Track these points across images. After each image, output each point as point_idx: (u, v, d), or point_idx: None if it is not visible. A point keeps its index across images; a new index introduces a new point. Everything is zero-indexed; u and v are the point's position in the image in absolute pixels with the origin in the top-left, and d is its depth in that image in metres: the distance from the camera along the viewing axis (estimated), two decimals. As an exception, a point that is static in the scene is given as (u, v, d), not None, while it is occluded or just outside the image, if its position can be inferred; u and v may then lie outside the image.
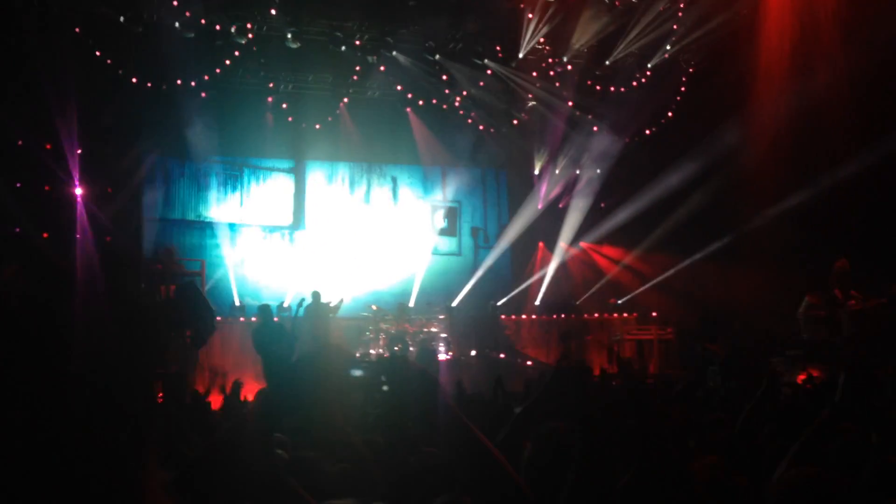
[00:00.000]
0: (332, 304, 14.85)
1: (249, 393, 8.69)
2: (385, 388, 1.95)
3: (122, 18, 12.97)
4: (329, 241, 17.02)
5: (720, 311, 13.56)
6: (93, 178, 14.68)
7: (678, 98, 16.18)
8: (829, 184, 12.81)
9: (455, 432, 1.87)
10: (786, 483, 2.02)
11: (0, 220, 13.28)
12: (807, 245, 12.95)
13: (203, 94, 14.74)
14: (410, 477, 2.72)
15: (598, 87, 16.05)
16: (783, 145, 13.64)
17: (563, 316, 16.61)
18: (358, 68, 15.03)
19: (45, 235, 13.60)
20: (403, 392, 1.92)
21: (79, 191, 14.48)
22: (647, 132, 16.78)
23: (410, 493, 2.58)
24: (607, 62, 15.44)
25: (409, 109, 16.58)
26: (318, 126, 16.17)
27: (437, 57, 14.88)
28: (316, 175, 17.35)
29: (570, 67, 15.54)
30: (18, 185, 13.44)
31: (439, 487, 2.19)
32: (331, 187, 17.37)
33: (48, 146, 14.04)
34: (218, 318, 14.57)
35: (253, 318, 13.36)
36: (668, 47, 15.17)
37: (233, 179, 16.74)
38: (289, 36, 13.62)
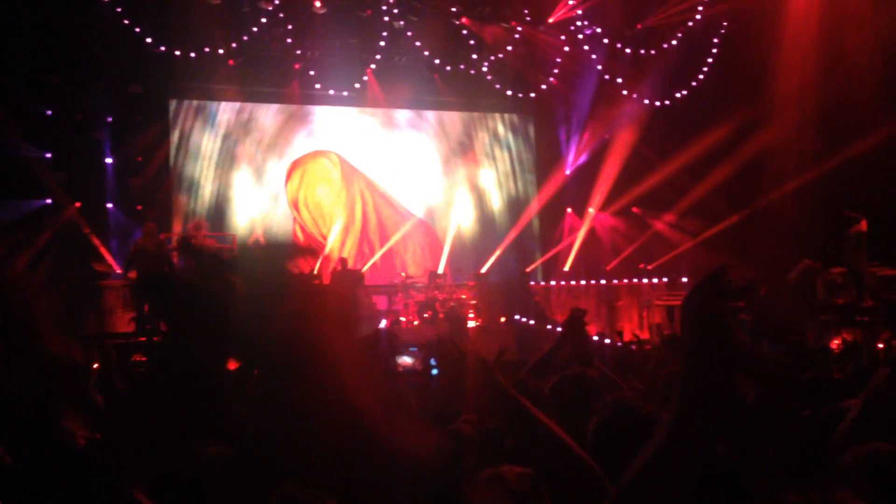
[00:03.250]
0: (360, 272, 14.95)
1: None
2: (434, 371, 1.95)
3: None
4: (357, 204, 17.04)
5: (746, 277, 13.43)
6: (122, 148, 14.81)
7: (710, 62, 15.94)
8: (857, 151, 12.66)
9: (510, 411, 1.86)
10: (863, 461, 1.97)
11: (32, 192, 13.43)
12: (829, 214, 12.80)
13: (231, 62, 14.71)
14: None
15: (628, 51, 15.82)
16: (811, 112, 13.49)
17: (592, 282, 16.56)
18: (385, 34, 14.92)
19: (78, 205, 13.73)
20: (455, 376, 1.90)
21: (109, 160, 14.60)
22: (678, 96, 16.54)
23: None
24: (638, 25, 15.23)
25: (436, 76, 16.44)
26: (345, 93, 16.10)
27: (465, 21, 14.74)
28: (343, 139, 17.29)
29: (599, 30, 15.34)
30: (48, 155, 13.56)
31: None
32: (360, 154, 17.30)
33: (78, 116, 14.14)
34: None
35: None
36: (700, 9, 14.92)
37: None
38: (317, 4, 13.53)
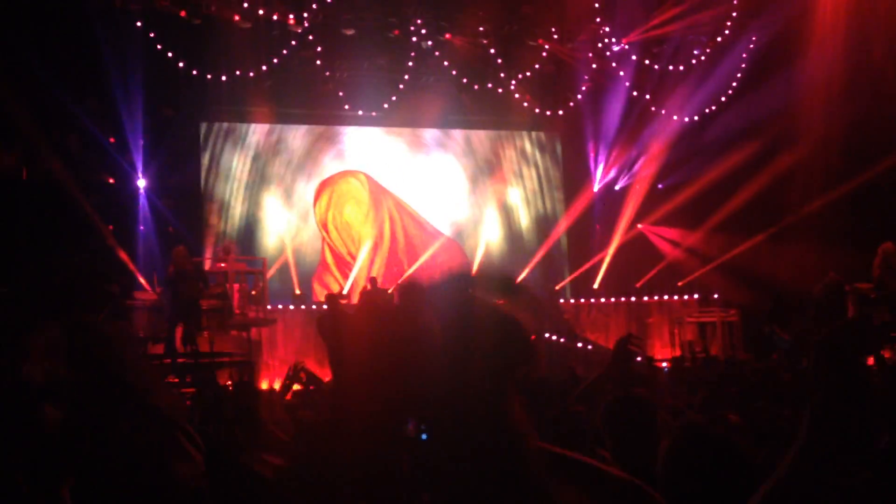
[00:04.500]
0: (388, 291, 14.94)
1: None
2: (424, 437, 1.69)
3: (182, 13, 13.14)
4: (385, 223, 17.09)
5: (793, 296, 13.26)
6: (155, 170, 14.96)
7: (738, 77, 15.89)
8: (885, 166, 12.58)
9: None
10: None
11: (67, 214, 13.57)
12: (864, 228, 12.68)
13: (260, 85, 14.85)
14: None
15: (656, 67, 15.80)
16: (837, 127, 13.40)
17: (622, 299, 16.46)
18: (413, 54, 15.02)
19: (111, 228, 13.85)
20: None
21: (141, 182, 14.75)
22: (707, 112, 16.48)
23: None
24: (665, 42, 15.23)
25: (463, 95, 16.47)
26: (374, 114, 16.19)
27: (492, 40, 14.82)
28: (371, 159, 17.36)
29: (626, 47, 15.34)
30: (81, 179, 13.70)
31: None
32: (388, 173, 17.35)
33: (112, 139, 14.32)
34: (279, 307, 14.87)
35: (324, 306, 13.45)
36: (729, 24, 14.90)
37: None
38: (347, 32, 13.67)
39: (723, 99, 16.27)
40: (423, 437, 1.47)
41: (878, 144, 12.95)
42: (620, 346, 3.64)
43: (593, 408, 3.41)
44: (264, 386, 11.83)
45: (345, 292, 15.39)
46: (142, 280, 13.92)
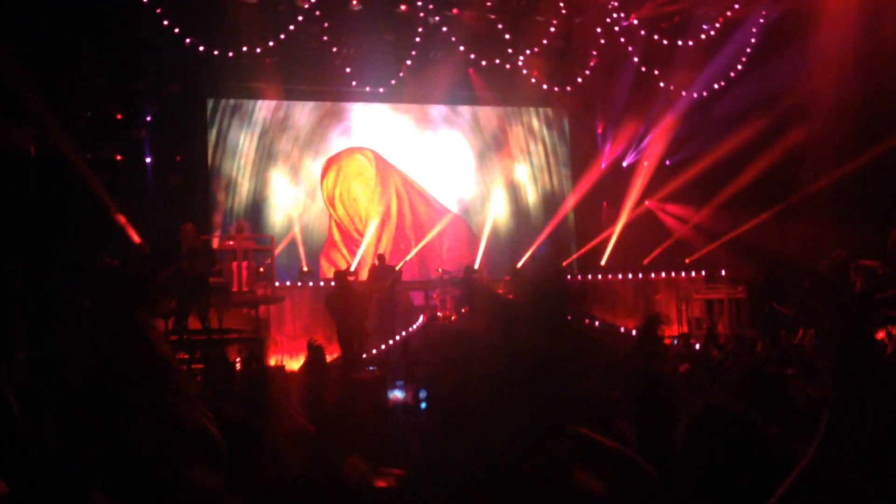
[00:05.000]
0: (396, 268, 14.97)
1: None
2: (423, 405, 1.80)
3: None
4: (392, 200, 17.11)
5: (789, 270, 13.24)
6: (162, 147, 14.96)
7: (748, 52, 15.77)
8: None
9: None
10: None
11: (73, 195, 13.57)
12: (875, 204, 12.61)
13: (267, 61, 14.79)
14: None
15: (664, 42, 15.68)
16: (848, 102, 13.30)
17: (629, 276, 16.46)
18: (421, 30, 14.93)
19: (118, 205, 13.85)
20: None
21: (148, 159, 14.75)
22: (716, 87, 16.37)
23: None
24: (675, 17, 15.10)
25: (471, 70, 16.40)
26: (381, 90, 16.12)
27: (500, 15, 14.71)
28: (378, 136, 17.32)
29: (635, 22, 15.23)
30: (89, 156, 13.69)
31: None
32: (395, 150, 17.31)
33: (119, 116, 14.29)
34: (287, 284, 14.91)
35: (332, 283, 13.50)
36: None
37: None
38: (353, 1, 13.56)
39: (732, 74, 16.15)
40: (423, 405, 1.58)
41: (889, 120, 12.87)
42: (649, 328, 3.67)
43: (615, 383, 3.44)
44: (272, 362, 11.87)
45: (352, 269, 15.43)
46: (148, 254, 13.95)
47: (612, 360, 3.83)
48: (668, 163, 16.93)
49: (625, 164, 17.57)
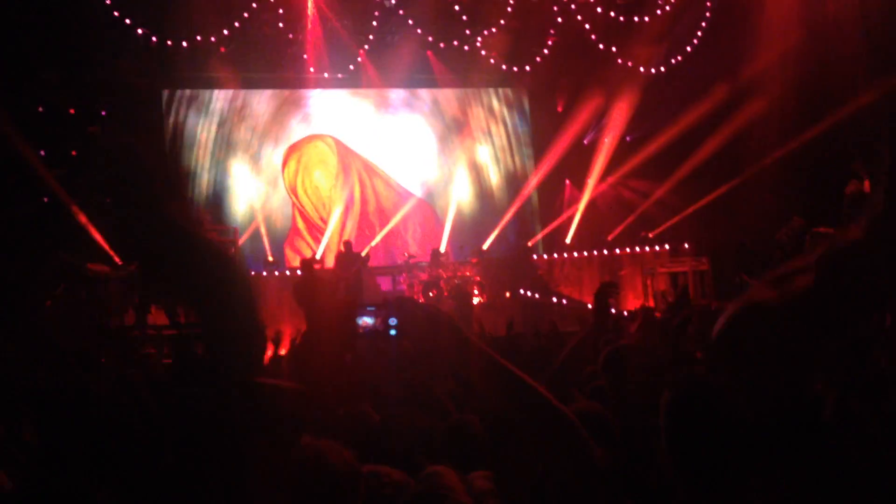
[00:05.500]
0: (362, 255, 14.91)
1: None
2: (393, 332, 1.90)
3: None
4: (356, 186, 17.02)
5: (758, 242, 13.43)
6: (115, 143, 14.67)
7: (703, 26, 15.90)
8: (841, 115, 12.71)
9: (479, 363, 1.84)
10: None
11: (30, 191, 13.31)
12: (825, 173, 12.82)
13: (222, 49, 14.58)
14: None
15: (621, 18, 15.74)
16: (793, 77, 13.50)
17: (594, 253, 16.56)
18: (377, 13, 14.82)
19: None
20: (414, 334, 1.88)
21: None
22: (673, 62, 16.48)
23: None
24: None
25: (429, 53, 16.33)
26: (340, 76, 15.99)
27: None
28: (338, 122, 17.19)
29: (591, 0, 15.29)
30: (42, 152, 13.42)
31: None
32: (356, 136, 17.20)
33: (71, 111, 14.01)
34: (252, 274, 14.77)
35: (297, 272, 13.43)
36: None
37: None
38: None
39: (689, 49, 16.27)
40: (392, 332, 1.83)
41: (835, 93, 13.07)
42: (601, 297, 3.70)
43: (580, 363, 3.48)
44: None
45: (318, 257, 15.33)
46: (110, 251, 13.72)
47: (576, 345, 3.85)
48: (628, 139, 17.03)
49: (586, 141, 17.63)
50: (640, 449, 2.34)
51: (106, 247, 13.75)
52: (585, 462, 1.86)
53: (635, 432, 2.39)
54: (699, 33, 16.07)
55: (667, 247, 16.44)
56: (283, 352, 7.35)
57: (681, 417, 1.93)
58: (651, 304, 15.38)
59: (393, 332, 1.85)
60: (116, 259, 13.49)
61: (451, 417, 3.38)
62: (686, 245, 16.17)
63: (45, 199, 13.55)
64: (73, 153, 14.24)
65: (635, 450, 2.32)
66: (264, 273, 14.95)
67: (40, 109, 13.74)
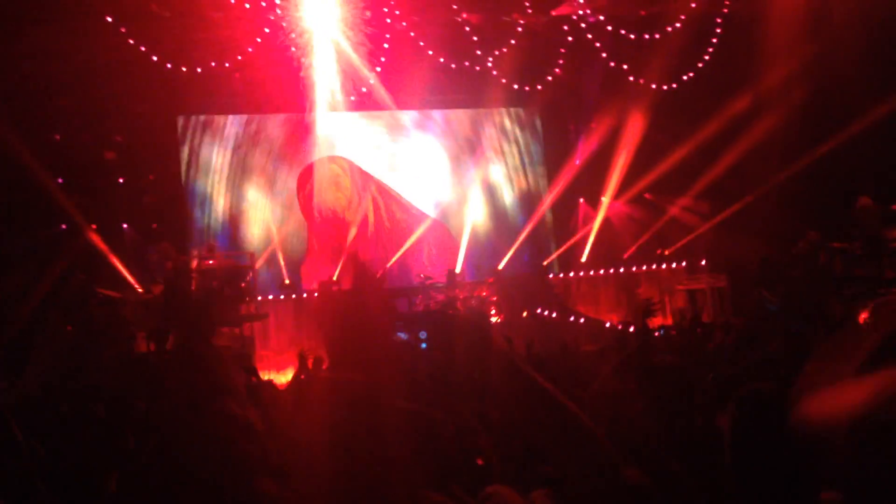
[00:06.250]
0: (377, 276, 14.90)
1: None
2: (424, 346, 1.91)
3: (152, 6, 12.98)
4: (370, 208, 17.07)
5: (780, 257, 13.33)
6: (134, 167, 14.83)
7: (714, 42, 15.91)
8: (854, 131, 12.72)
9: (512, 380, 1.82)
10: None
11: (46, 218, 13.42)
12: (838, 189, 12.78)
13: (236, 76, 14.70)
14: None
15: (632, 36, 15.77)
16: (800, 94, 13.52)
17: (611, 271, 16.51)
18: (388, 36, 14.91)
19: (94, 227, 13.67)
20: (450, 347, 1.86)
21: (121, 180, 14.63)
22: (685, 79, 16.47)
23: None
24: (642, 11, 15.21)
25: (440, 75, 16.34)
26: (352, 98, 16.07)
27: (465, 17, 14.74)
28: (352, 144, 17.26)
29: (602, 18, 15.32)
30: (60, 180, 13.51)
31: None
32: (370, 158, 17.26)
33: (88, 138, 14.17)
34: (269, 297, 14.80)
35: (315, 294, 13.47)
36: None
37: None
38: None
39: (700, 65, 16.26)
40: (423, 345, 1.80)
41: (848, 106, 13.07)
42: (643, 317, 3.69)
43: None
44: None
45: (335, 279, 15.34)
46: (128, 277, 13.78)
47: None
48: (641, 157, 16.99)
49: (599, 159, 17.61)
50: (674, 468, 2.31)
51: (122, 271, 13.83)
52: (619, 482, 1.83)
53: (667, 450, 2.36)
54: (710, 49, 16.05)
55: (683, 264, 16.37)
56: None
57: (749, 431, 1.91)
58: (670, 321, 15.30)
59: (424, 345, 1.86)
60: (136, 285, 13.54)
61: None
62: (703, 262, 16.09)
63: (63, 226, 13.68)
64: (90, 181, 14.39)
65: (669, 469, 2.29)
66: (282, 297, 14.98)
67: (57, 138, 13.88)
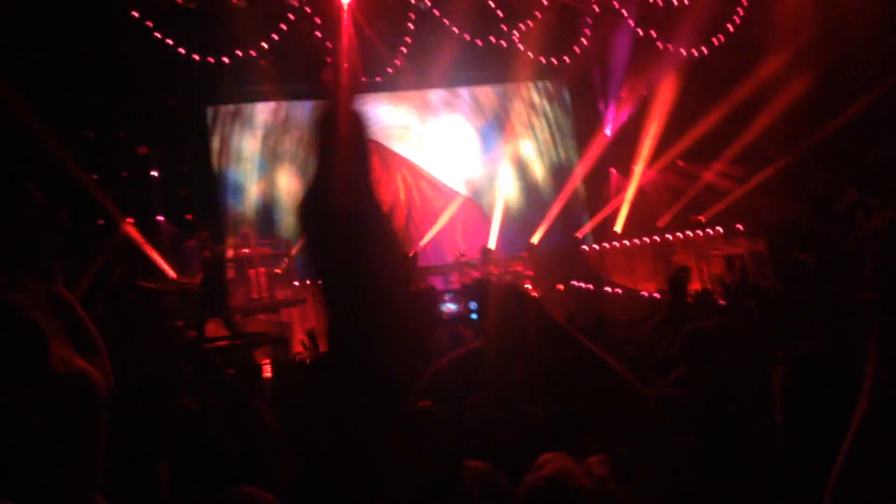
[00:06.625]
0: (410, 256, 14.96)
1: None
2: (474, 316, 1.89)
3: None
4: (400, 189, 17.07)
5: (814, 218, 13.16)
6: (166, 159, 14.96)
7: (744, 3, 15.63)
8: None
9: (558, 343, 1.80)
10: None
11: (84, 213, 13.59)
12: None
13: (262, 63, 14.74)
14: None
15: (659, 2, 15.55)
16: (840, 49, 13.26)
17: (645, 240, 16.37)
18: (412, 15, 14.85)
19: (131, 221, 13.88)
20: (497, 318, 1.85)
21: (154, 173, 14.76)
22: (715, 42, 16.22)
23: None
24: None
25: (467, 51, 16.23)
26: (378, 79, 16.04)
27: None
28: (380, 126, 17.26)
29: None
30: (95, 176, 13.68)
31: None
32: (399, 139, 17.25)
33: (121, 134, 14.31)
34: (307, 283, 14.89)
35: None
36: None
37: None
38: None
39: (730, 28, 15.99)
40: (473, 316, 1.85)
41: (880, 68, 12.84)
42: (676, 282, 3.66)
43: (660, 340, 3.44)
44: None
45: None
46: (166, 268, 13.94)
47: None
48: (672, 123, 16.79)
49: (630, 128, 17.45)
50: (726, 432, 2.31)
51: (159, 262, 14.00)
52: (672, 447, 1.83)
53: (720, 415, 2.35)
54: (739, 10, 15.78)
55: (720, 229, 16.17)
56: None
57: (800, 391, 1.89)
58: (709, 287, 15.15)
59: (474, 315, 1.85)
60: (173, 275, 13.70)
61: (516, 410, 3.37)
62: (740, 226, 15.90)
63: (101, 221, 13.86)
64: (125, 175, 14.56)
65: (721, 433, 2.28)
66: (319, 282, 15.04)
67: (91, 135, 14.05)
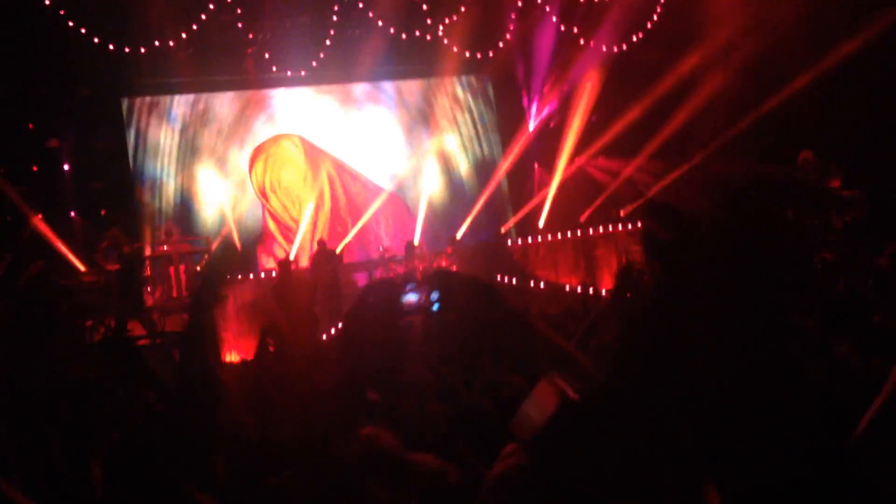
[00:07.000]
0: (336, 252, 14.83)
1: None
2: (436, 306, 1.89)
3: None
4: (325, 184, 16.86)
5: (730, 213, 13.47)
6: (79, 153, 14.42)
7: (662, 2, 15.96)
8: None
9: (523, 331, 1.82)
10: None
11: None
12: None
13: (181, 54, 14.36)
14: None
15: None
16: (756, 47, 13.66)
17: (568, 235, 16.56)
18: (336, 8, 14.68)
19: (41, 217, 13.34)
20: (457, 305, 1.86)
21: (66, 167, 14.23)
22: (635, 40, 16.52)
23: None
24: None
25: (391, 45, 16.13)
26: (302, 73, 15.81)
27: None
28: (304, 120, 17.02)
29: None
30: (3, 170, 13.11)
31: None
32: (322, 133, 17.03)
33: (31, 126, 13.74)
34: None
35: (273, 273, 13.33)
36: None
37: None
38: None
39: (649, 26, 16.30)
40: (435, 307, 1.80)
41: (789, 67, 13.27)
42: (623, 276, 3.66)
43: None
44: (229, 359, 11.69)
45: (291, 258, 15.17)
46: (77, 264, 13.42)
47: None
48: (593, 119, 17.04)
49: (552, 124, 17.63)
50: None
51: (71, 259, 13.46)
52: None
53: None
54: (658, 8, 16.10)
55: (639, 224, 16.45)
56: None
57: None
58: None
59: (436, 306, 1.84)
60: (86, 270, 13.18)
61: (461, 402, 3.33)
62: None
63: (8, 218, 13.27)
64: (34, 169, 13.98)
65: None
66: (239, 277, 14.75)
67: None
